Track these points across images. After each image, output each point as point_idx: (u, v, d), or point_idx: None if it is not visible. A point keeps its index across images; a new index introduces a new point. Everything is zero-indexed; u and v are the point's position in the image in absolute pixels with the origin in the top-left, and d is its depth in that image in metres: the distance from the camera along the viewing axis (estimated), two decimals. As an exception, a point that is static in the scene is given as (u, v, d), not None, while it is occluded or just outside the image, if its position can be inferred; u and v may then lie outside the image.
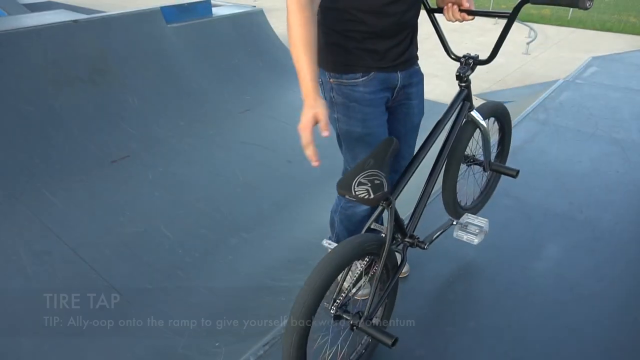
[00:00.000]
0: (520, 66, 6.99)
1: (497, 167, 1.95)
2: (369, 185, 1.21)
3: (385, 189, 1.21)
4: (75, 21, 3.61)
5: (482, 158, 1.88)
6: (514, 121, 3.44)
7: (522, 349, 1.65)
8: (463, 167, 1.84)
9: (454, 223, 1.76)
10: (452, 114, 1.60)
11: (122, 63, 3.78)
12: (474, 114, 1.68)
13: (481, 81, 6.27)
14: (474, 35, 8.68)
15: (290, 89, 4.46)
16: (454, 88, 1.66)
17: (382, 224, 1.41)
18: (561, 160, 2.90)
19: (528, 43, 7.78)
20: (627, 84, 4.24)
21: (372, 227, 1.39)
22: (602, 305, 1.82)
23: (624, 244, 2.16)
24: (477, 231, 1.61)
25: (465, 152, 1.78)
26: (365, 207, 1.58)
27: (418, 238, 1.59)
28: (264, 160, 3.45)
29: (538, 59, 7.37)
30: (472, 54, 1.60)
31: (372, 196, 1.19)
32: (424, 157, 1.49)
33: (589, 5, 1.30)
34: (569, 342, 1.67)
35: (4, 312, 2.07)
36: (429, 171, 1.60)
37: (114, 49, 3.77)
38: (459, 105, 1.63)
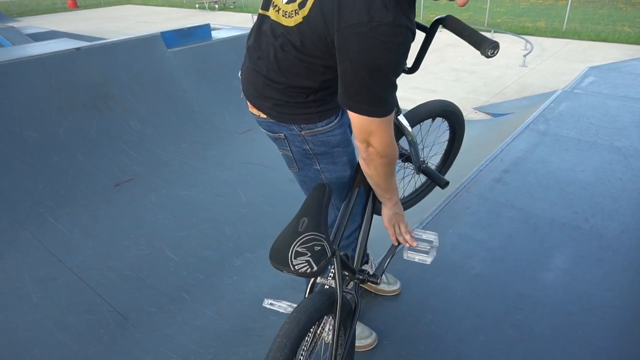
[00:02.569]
0: (518, 78, 7.05)
1: (429, 172, 1.75)
2: (309, 254, 1.04)
3: (329, 253, 1.05)
4: (77, 49, 3.68)
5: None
6: (514, 133, 3.46)
7: (534, 362, 1.62)
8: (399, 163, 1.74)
9: (399, 244, 1.52)
10: None
11: (124, 88, 3.84)
12: (401, 119, 1.58)
13: (479, 94, 6.32)
14: (470, 49, 8.78)
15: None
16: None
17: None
18: (564, 170, 2.90)
19: (525, 55, 7.85)
20: (626, 93, 4.26)
21: (316, 281, 1.29)
22: (613, 315, 1.80)
23: (631, 252, 2.14)
24: (427, 248, 1.47)
25: (402, 151, 1.71)
26: None
27: (368, 272, 1.45)
28: (266, 179, 3.46)
29: (535, 70, 7.43)
30: None
31: (315, 268, 1.03)
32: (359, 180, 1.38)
33: (490, 54, 1.21)
34: (580, 354, 1.64)
35: (9, 340, 2.05)
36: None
37: (116, 75, 3.84)
38: None
